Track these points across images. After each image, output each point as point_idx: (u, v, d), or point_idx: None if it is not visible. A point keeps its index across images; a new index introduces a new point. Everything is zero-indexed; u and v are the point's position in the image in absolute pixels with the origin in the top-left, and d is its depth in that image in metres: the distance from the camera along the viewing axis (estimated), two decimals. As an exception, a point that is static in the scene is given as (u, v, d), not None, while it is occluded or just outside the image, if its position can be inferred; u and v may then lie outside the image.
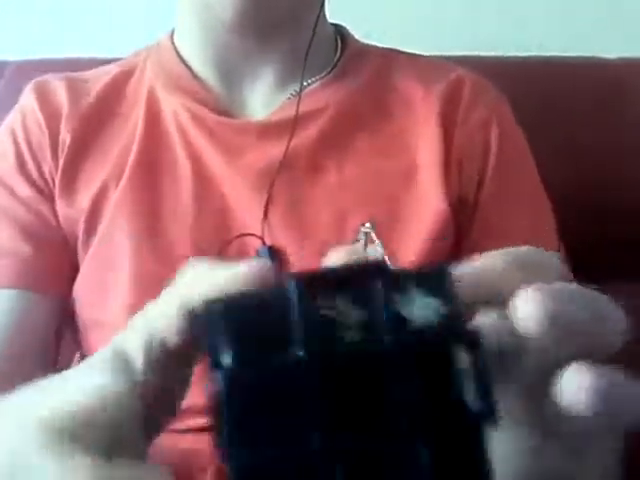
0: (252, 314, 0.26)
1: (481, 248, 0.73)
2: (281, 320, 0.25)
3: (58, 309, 0.69)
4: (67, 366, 0.74)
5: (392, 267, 0.27)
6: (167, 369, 0.30)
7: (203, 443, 0.57)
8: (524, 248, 0.29)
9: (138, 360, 0.30)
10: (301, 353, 0.25)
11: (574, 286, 0.27)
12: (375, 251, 0.64)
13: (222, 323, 0.25)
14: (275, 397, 0.24)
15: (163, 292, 0.32)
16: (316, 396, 0.24)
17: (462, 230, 0.68)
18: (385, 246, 0.65)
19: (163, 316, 0.30)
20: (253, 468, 0.24)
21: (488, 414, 0.25)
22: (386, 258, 0.64)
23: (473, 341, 0.25)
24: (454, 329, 0.25)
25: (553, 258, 0.29)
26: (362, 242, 0.65)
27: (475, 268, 0.28)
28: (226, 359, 0.25)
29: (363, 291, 0.26)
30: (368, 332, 0.25)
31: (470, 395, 0.25)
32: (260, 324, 0.25)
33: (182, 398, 0.32)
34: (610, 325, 0.27)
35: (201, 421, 0.58)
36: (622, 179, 0.94)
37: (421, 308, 0.26)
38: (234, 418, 0.24)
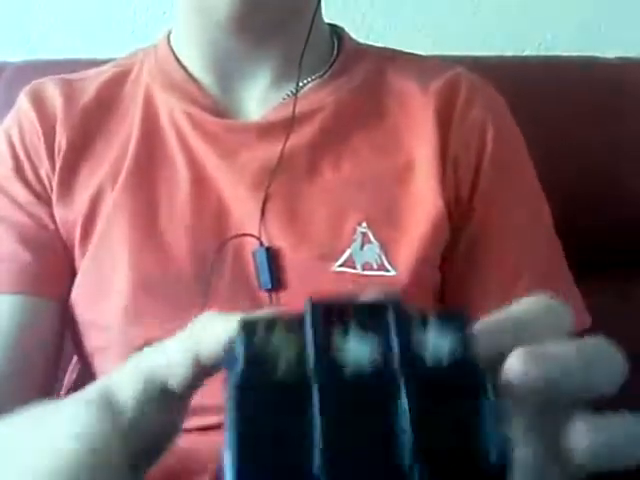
0: (269, 344, 0.26)
1: (479, 247, 0.73)
2: (296, 347, 0.26)
3: (59, 312, 0.69)
4: (67, 366, 0.75)
5: (409, 307, 0.27)
6: (160, 412, 0.32)
7: (203, 443, 0.57)
8: (538, 304, 0.30)
9: (128, 402, 0.32)
10: (311, 383, 0.25)
11: (566, 347, 0.28)
12: (372, 251, 0.65)
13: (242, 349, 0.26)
14: (281, 413, 0.24)
15: (172, 340, 0.34)
16: (319, 419, 0.24)
17: (458, 229, 0.68)
18: (382, 245, 0.65)
19: (172, 364, 0.33)
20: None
21: (501, 464, 0.24)
22: (386, 262, 0.64)
23: (484, 388, 0.25)
24: (467, 373, 0.25)
25: (564, 312, 0.30)
26: (359, 242, 0.65)
27: (490, 324, 0.29)
28: (236, 379, 0.25)
29: (378, 325, 0.26)
30: (380, 364, 0.25)
31: (481, 443, 0.24)
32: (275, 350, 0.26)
33: (171, 439, 0.34)
34: (602, 378, 0.28)
35: (203, 421, 0.58)
36: (621, 179, 0.94)
37: (435, 349, 0.26)
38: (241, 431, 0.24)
